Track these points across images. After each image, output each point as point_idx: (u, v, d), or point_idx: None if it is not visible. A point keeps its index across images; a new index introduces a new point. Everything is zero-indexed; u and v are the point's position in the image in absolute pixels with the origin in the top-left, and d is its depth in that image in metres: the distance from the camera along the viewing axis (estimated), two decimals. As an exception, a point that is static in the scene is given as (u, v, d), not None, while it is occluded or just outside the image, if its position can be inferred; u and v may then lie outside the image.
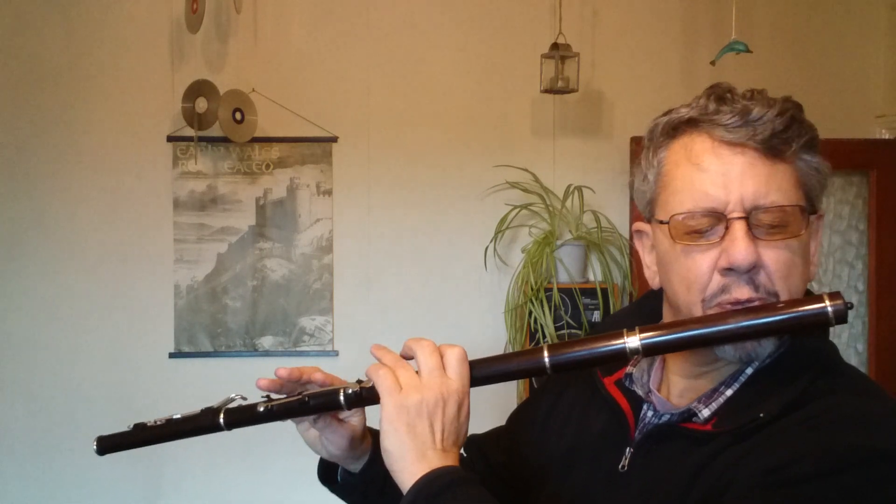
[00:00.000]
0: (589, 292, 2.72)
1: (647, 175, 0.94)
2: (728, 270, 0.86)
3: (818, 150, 0.90)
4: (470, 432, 1.22)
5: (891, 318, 2.90)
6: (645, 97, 2.85)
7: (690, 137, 0.90)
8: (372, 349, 0.93)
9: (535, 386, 2.40)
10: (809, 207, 0.89)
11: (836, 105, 2.91)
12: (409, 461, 0.85)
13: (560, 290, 2.70)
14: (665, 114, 0.94)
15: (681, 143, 0.91)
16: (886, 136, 2.94)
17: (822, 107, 2.87)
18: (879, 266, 2.90)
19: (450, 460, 0.86)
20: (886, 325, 2.90)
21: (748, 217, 0.85)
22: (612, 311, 2.67)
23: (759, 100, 0.87)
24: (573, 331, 2.69)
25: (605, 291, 2.71)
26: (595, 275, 2.85)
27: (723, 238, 0.86)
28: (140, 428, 1.02)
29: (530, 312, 2.69)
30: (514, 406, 1.25)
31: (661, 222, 0.91)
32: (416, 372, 0.89)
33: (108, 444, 1.03)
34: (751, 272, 0.86)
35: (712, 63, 2.51)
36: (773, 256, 0.86)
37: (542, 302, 2.67)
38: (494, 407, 1.84)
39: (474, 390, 0.91)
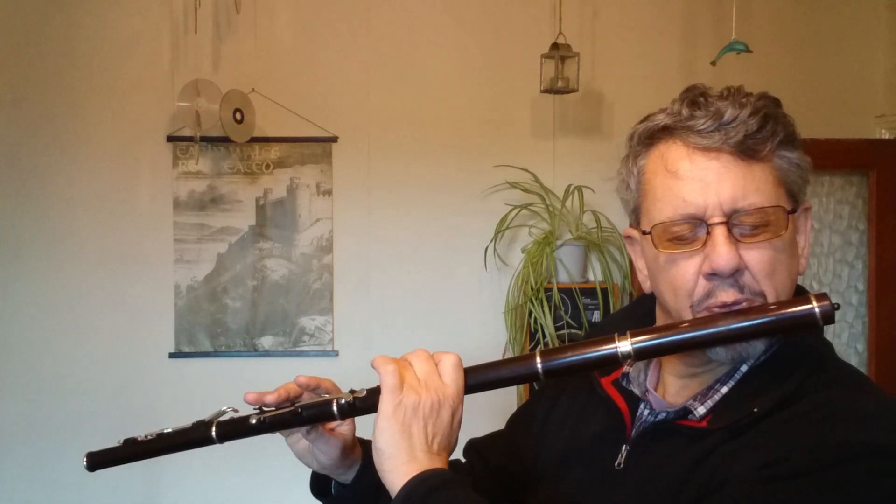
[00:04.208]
0: (589, 292, 2.73)
1: (629, 183, 0.96)
2: (712, 275, 0.87)
3: (797, 144, 0.90)
4: (470, 435, 1.22)
5: (891, 318, 2.91)
6: (645, 97, 2.83)
7: (666, 145, 0.91)
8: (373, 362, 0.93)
9: (536, 388, 2.40)
10: (792, 204, 0.89)
11: (836, 105, 2.91)
12: (400, 461, 0.85)
13: (560, 290, 2.70)
14: (642, 120, 0.94)
15: (658, 152, 0.92)
16: (886, 136, 2.94)
17: (822, 107, 2.88)
18: (879, 266, 2.90)
19: (440, 463, 0.86)
20: (886, 325, 2.90)
21: (728, 221, 0.86)
22: (612, 311, 2.68)
23: (733, 100, 0.88)
24: (573, 331, 2.69)
25: (605, 291, 2.71)
26: (595, 275, 2.85)
27: (705, 244, 0.87)
28: (130, 443, 1.00)
29: (530, 312, 2.69)
30: (514, 409, 1.25)
31: (645, 232, 0.92)
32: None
33: (99, 460, 1.02)
34: (735, 275, 0.86)
35: (712, 63, 2.51)
36: (757, 257, 0.86)
37: (542, 302, 2.67)
38: (494, 410, 1.84)
39: (474, 394, 0.91)
